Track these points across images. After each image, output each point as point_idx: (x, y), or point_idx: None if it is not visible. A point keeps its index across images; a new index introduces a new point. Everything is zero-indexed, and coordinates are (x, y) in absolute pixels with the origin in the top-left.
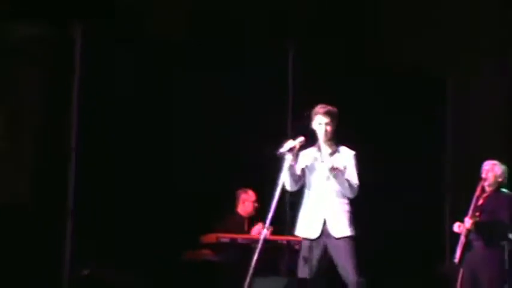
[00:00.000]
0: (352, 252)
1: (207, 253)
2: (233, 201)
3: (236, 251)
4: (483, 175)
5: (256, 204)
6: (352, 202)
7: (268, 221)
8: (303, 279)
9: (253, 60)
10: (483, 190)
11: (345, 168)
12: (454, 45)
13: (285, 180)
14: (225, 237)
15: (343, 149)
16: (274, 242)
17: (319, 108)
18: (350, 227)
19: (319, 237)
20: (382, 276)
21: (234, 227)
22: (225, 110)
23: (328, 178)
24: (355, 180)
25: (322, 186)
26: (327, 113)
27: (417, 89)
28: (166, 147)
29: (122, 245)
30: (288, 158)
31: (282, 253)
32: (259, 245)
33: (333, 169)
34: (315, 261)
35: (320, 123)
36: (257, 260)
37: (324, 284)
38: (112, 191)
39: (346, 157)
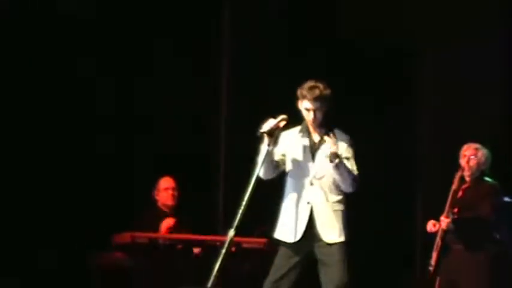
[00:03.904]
0: (344, 262)
1: (119, 257)
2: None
3: (156, 254)
4: (463, 162)
5: (175, 193)
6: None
7: (237, 219)
8: None
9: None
10: (462, 180)
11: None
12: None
13: (260, 167)
14: (142, 237)
15: (338, 134)
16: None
17: (307, 91)
18: (344, 230)
19: (300, 241)
20: None
21: (153, 224)
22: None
23: (317, 173)
24: (355, 172)
25: (310, 178)
26: (316, 98)
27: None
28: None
29: (10, 245)
30: (267, 141)
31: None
32: (224, 250)
33: (335, 156)
34: (292, 269)
35: (308, 108)
36: (219, 268)
37: None
38: None
39: (341, 145)
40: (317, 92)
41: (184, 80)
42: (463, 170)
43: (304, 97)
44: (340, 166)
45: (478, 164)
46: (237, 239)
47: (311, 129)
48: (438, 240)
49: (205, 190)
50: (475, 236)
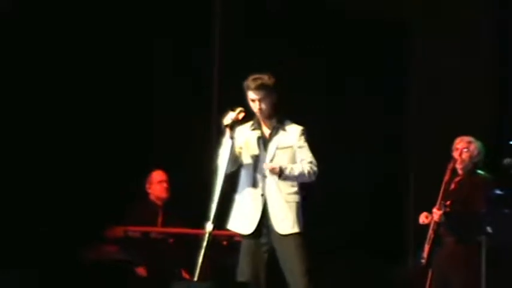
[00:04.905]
0: (301, 252)
1: (112, 250)
2: (143, 186)
3: (149, 247)
4: (455, 155)
5: (168, 186)
6: (303, 187)
7: (212, 213)
8: (242, 283)
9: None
10: (454, 173)
11: (292, 147)
12: None
13: (228, 160)
14: (135, 231)
15: (289, 125)
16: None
17: (250, 82)
18: (298, 221)
19: (257, 233)
20: (332, 280)
21: (146, 218)
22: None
23: (271, 160)
24: (309, 160)
25: (263, 170)
26: (259, 88)
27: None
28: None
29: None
30: (229, 134)
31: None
32: (205, 243)
33: (274, 171)
34: (254, 261)
35: (253, 99)
36: (203, 261)
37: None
38: None
39: (293, 135)
40: (259, 81)
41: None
42: (455, 161)
43: (248, 88)
44: (289, 177)
45: (471, 157)
46: (229, 232)
47: (262, 121)
48: (430, 232)
49: (197, 183)
50: (466, 229)
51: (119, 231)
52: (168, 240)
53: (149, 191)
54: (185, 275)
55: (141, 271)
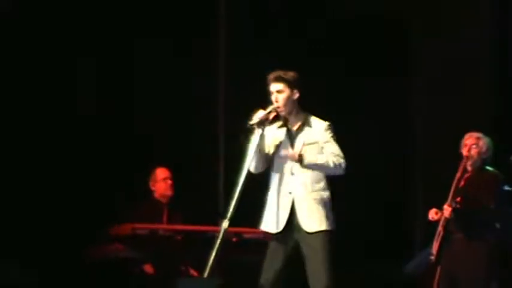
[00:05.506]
0: (326, 251)
1: (119, 248)
2: (147, 184)
3: (157, 245)
4: (464, 151)
5: (170, 182)
6: (331, 185)
7: (230, 210)
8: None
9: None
10: (465, 170)
11: (318, 143)
12: None
13: (253, 158)
14: (143, 228)
15: (314, 121)
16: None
17: (271, 74)
18: (326, 219)
19: (285, 231)
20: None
21: (151, 216)
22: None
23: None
24: (336, 153)
25: (290, 167)
26: (276, 80)
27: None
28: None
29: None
30: (258, 133)
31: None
32: (219, 240)
33: (293, 158)
34: (278, 260)
35: (271, 91)
36: (214, 258)
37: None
38: None
39: (319, 130)
40: (278, 74)
41: (182, 79)
42: (467, 158)
43: (269, 81)
44: (310, 165)
45: (480, 153)
46: (239, 229)
47: (287, 120)
48: (440, 229)
49: (205, 181)
50: (475, 225)
51: (126, 229)
52: (176, 237)
53: (153, 188)
54: (193, 272)
55: (148, 268)
